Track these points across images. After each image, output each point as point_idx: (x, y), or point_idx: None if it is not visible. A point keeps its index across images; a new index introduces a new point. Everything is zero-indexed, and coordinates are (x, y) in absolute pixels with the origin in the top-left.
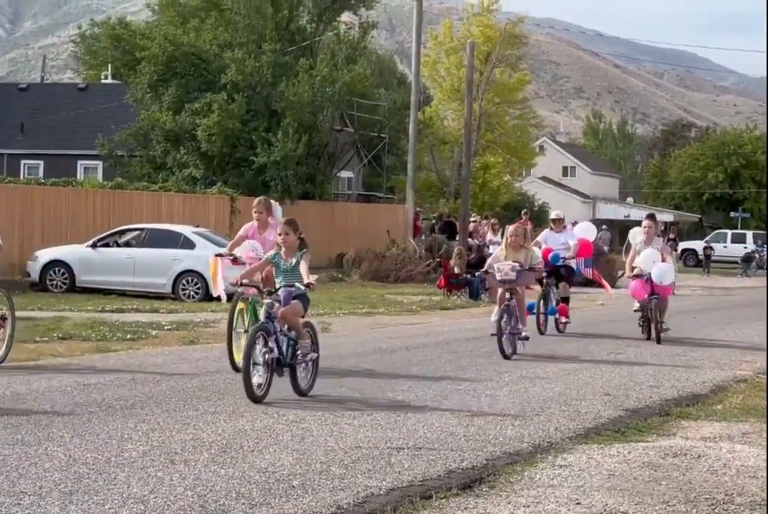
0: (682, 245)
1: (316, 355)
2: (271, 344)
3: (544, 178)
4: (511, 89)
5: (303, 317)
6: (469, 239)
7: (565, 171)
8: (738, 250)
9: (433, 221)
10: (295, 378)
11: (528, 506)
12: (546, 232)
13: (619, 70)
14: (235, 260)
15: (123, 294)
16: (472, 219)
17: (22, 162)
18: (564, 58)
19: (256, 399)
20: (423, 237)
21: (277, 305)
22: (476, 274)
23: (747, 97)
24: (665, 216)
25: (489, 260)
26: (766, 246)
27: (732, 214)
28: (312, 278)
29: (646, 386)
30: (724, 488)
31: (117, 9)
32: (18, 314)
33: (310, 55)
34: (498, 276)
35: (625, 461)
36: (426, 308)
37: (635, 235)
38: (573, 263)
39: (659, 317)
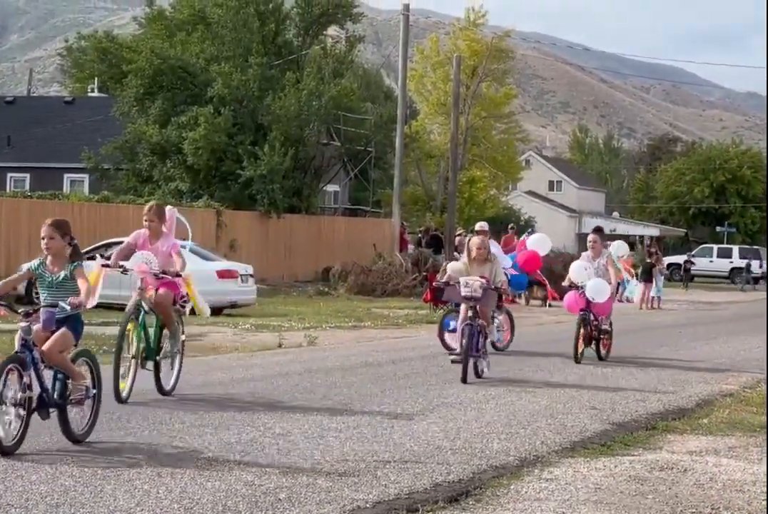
0: (668, 259)
1: (94, 391)
2: (27, 379)
3: (530, 193)
4: (497, 103)
5: (75, 345)
6: (455, 253)
7: (551, 185)
8: (724, 265)
9: (420, 235)
10: (66, 422)
11: None
12: None
13: (606, 85)
14: (125, 272)
15: (109, 307)
16: (457, 233)
17: (9, 175)
18: (550, 72)
19: (3, 451)
20: (410, 251)
21: (35, 328)
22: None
23: (733, 112)
24: (651, 230)
25: (448, 273)
26: (766, 260)
27: (718, 228)
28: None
29: (633, 400)
30: (710, 502)
31: (104, 22)
32: (4, 326)
33: (297, 68)
34: (464, 291)
35: (611, 474)
36: (412, 322)
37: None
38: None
39: (602, 320)
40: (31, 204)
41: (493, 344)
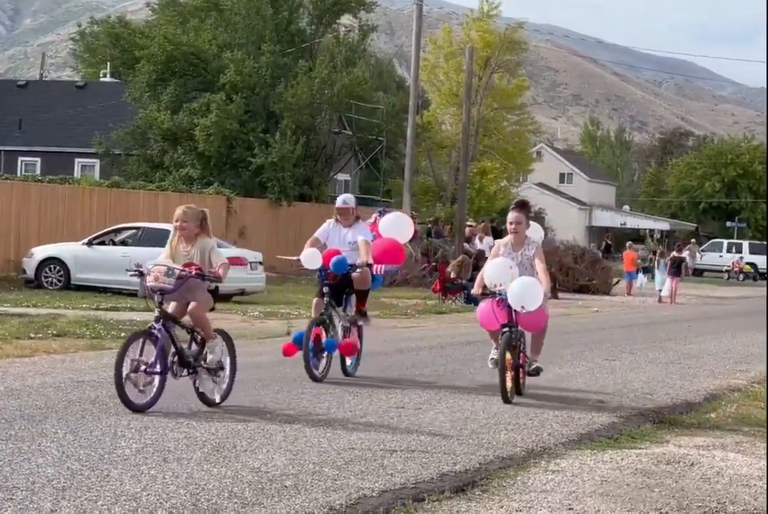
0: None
1: None
2: None
3: (541, 185)
4: (509, 95)
5: None
6: (465, 244)
7: (562, 178)
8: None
9: (429, 226)
10: None
11: (520, 511)
12: (328, 224)
13: (618, 78)
14: None
15: (118, 292)
16: (468, 224)
17: (20, 159)
18: (563, 64)
19: None
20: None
21: None
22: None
23: (745, 107)
24: (661, 224)
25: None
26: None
27: (728, 223)
28: None
29: (640, 394)
30: (716, 497)
31: (117, 7)
32: (13, 310)
33: (309, 57)
34: (148, 280)
35: (618, 467)
36: (421, 312)
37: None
38: (373, 270)
39: (526, 353)
40: (41, 188)
41: (343, 369)
